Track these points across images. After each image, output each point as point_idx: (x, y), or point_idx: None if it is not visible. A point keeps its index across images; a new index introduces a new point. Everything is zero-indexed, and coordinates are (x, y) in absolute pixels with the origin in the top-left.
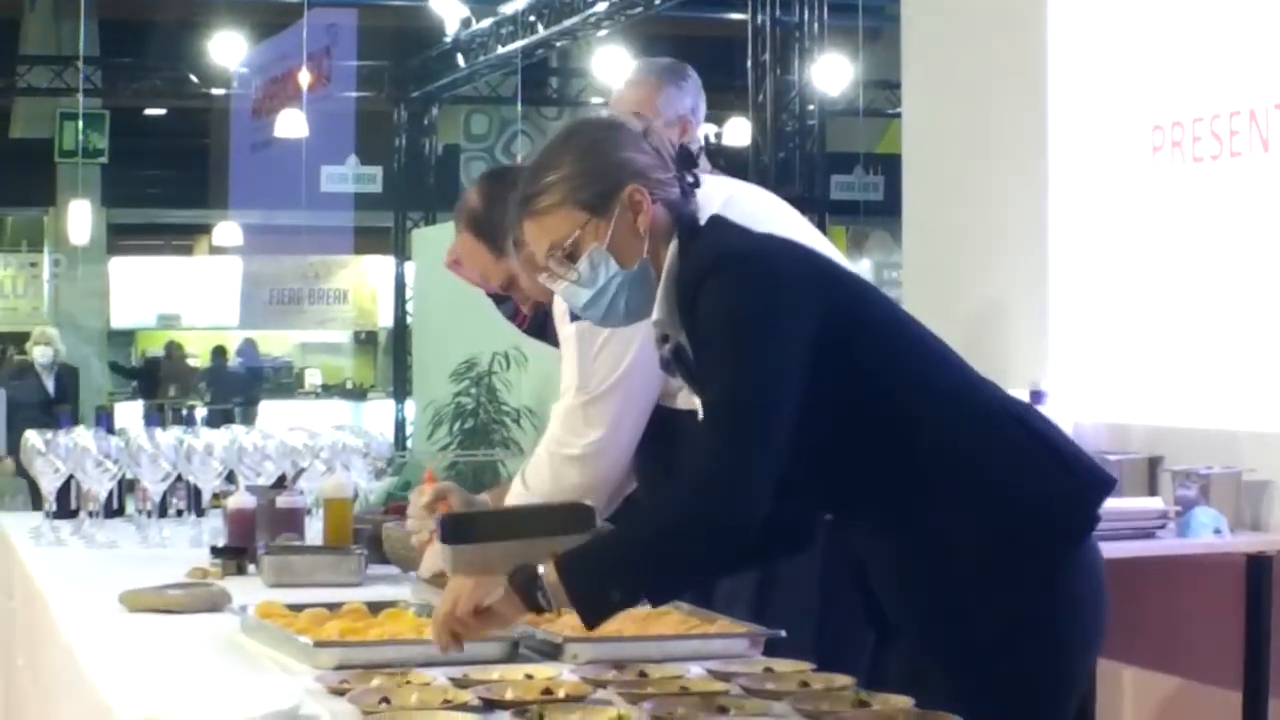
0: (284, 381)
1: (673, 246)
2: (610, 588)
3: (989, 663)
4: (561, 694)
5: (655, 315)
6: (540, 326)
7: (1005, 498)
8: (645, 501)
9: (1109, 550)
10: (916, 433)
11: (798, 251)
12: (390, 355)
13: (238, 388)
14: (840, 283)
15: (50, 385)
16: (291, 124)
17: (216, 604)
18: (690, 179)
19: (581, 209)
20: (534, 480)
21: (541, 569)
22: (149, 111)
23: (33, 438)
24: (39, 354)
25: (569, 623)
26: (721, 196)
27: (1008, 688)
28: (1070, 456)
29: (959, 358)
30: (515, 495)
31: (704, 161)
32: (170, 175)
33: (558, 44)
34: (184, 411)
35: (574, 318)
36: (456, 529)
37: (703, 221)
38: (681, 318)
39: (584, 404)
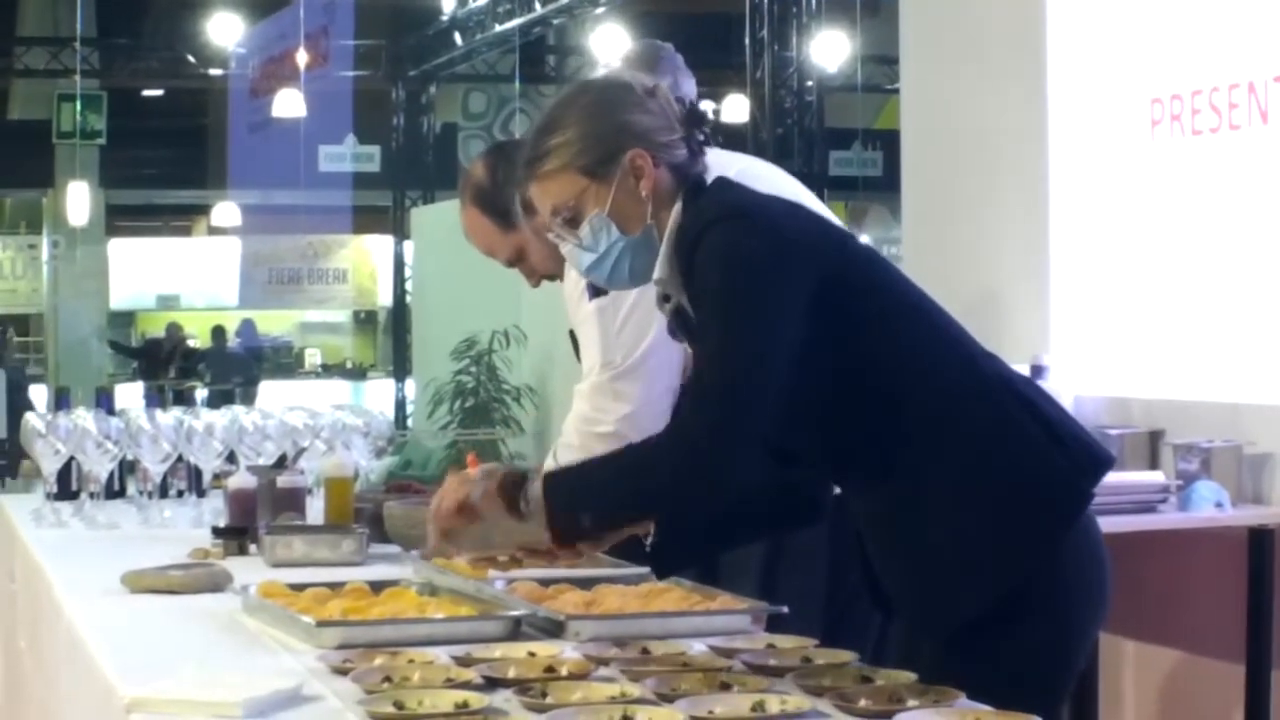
0: (284, 361)
1: (676, 206)
2: (583, 514)
3: (980, 639)
4: (564, 672)
5: (657, 274)
6: None
7: (997, 474)
8: (645, 441)
9: (1110, 524)
10: (912, 402)
11: (801, 211)
12: (390, 334)
13: (238, 368)
14: (843, 246)
15: None
16: (289, 104)
17: (218, 584)
18: (700, 137)
19: (582, 174)
20: (566, 460)
21: (531, 477)
22: (147, 92)
23: (33, 419)
24: None
25: (571, 600)
26: (734, 170)
27: (999, 665)
28: (1066, 434)
29: (961, 329)
30: None
31: None
32: (168, 156)
33: (555, 21)
34: (184, 393)
35: (592, 296)
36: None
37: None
38: (683, 276)
39: (611, 379)
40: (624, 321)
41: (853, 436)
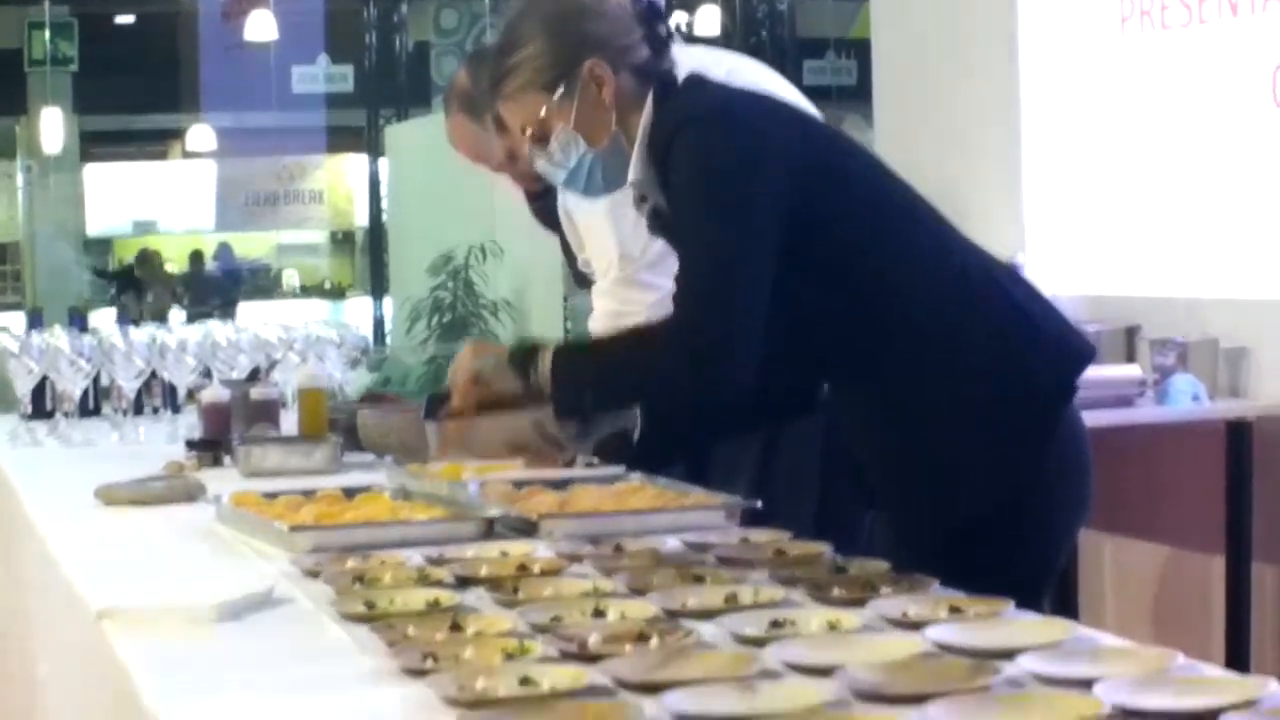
0: (262, 284)
1: (648, 107)
2: (585, 396)
3: (964, 543)
4: (537, 570)
5: (632, 176)
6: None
7: (979, 374)
8: (645, 332)
9: (1088, 419)
10: (893, 297)
11: (775, 105)
12: (368, 255)
13: (216, 291)
14: (820, 137)
15: None
16: (261, 26)
17: (192, 495)
18: (664, 31)
19: (544, 90)
20: None
21: (541, 349)
22: (118, 19)
23: (5, 339)
24: None
25: (545, 501)
26: (723, 69)
27: (981, 566)
28: (1048, 326)
29: (944, 221)
30: None
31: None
32: (141, 81)
33: None
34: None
35: None
36: (442, 405)
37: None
38: (657, 176)
39: (634, 272)
40: (637, 216)
41: (836, 335)
